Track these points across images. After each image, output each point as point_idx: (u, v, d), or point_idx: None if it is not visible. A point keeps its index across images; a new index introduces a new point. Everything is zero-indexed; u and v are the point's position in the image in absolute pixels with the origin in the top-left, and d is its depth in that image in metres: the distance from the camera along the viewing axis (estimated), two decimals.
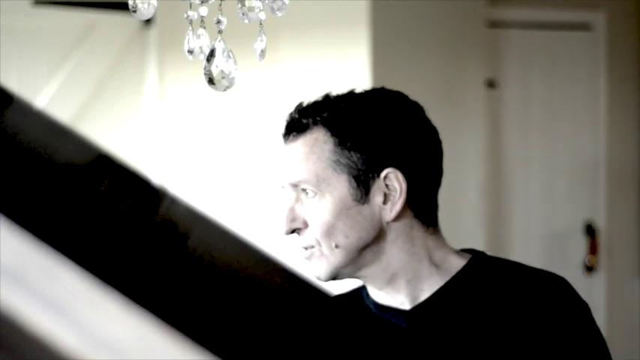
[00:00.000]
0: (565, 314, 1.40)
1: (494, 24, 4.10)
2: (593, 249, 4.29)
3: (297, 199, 1.46)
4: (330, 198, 1.43)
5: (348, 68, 3.62)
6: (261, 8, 1.25)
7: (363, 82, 3.56)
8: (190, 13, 1.24)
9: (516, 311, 1.40)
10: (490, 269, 1.46)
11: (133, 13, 1.25)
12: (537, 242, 4.22)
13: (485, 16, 3.96)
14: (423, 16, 3.72)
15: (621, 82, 4.40)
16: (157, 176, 4.15)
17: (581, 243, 4.29)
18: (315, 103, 1.47)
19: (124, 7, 1.45)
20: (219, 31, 1.25)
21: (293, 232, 1.46)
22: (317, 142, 1.45)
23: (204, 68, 1.24)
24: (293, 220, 1.46)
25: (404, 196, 1.44)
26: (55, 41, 4.04)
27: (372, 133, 1.44)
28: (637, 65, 4.45)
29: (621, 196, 4.42)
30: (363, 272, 1.47)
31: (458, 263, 1.47)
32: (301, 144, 1.45)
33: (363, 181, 1.44)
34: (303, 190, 1.45)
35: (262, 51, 1.28)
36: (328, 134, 1.44)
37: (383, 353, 1.46)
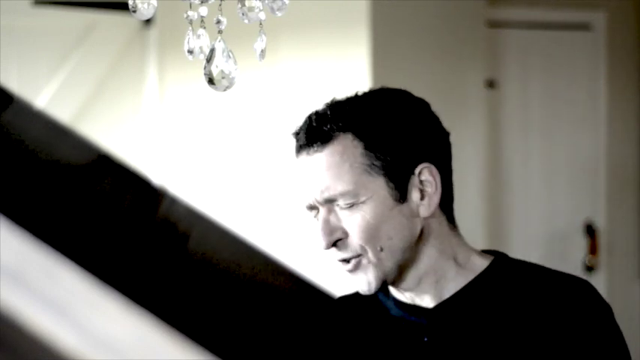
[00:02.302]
0: (587, 317, 1.37)
1: (494, 24, 4.10)
2: (593, 249, 4.29)
3: (330, 211, 1.41)
4: (370, 202, 1.38)
5: (348, 68, 3.62)
6: (261, 8, 1.25)
7: (363, 82, 3.56)
8: (190, 13, 1.24)
9: (538, 313, 1.38)
10: (513, 270, 1.45)
11: (133, 13, 1.25)
12: (537, 242, 4.22)
13: (485, 16, 3.96)
14: (423, 16, 3.72)
15: (621, 82, 4.40)
16: (157, 176, 4.15)
17: (581, 243, 4.29)
18: (334, 109, 1.42)
19: (124, 7, 1.45)
20: (219, 31, 1.24)
21: (334, 245, 1.41)
22: (346, 149, 1.39)
23: (204, 68, 1.24)
24: (332, 232, 1.40)
25: (439, 189, 1.42)
26: (55, 41, 4.04)
27: (400, 131, 1.42)
28: (637, 65, 4.45)
29: (621, 196, 4.42)
30: (401, 276, 1.43)
31: (481, 263, 1.45)
32: (329, 154, 1.40)
33: (400, 180, 1.40)
34: (338, 204, 1.40)
35: (262, 51, 1.28)
36: (356, 139, 1.39)
37: (402, 352, 1.44)
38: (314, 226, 1.45)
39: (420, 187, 1.42)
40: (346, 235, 1.40)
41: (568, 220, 4.30)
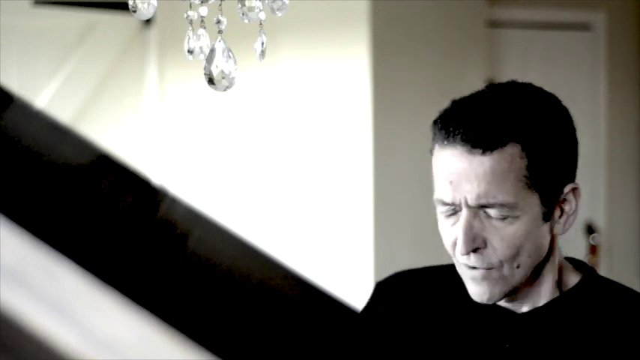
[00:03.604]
0: None
1: (494, 24, 4.10)
2: (593, 249, 4.29)
3: (475, 215, 1.34)
4: (525, 219, 1.34)
5: (348, 68, 3.62)
6: (261, 8, 1.25)
7: (363, 82, 3.56)
8: (190, 13, 1.24)
9: (622, 336, 1.35)
10: (602, 290, 1.42)
11: (133, 13, 1.25)
12: None
13: (486, 16, 3.96)
14: (423, 16, 3.72)
15: (621, 82, 4.40)
16: (157, 176, 4.15)
17: (581, 243, 4.29)
18: (505, 114, 1.33)
19: (124, 7, 1.45)
20: (219, 31, 1.24)
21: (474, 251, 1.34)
22: (514, 160, 1.32)
23: (204, 68, 1.24)
24: (474, 239, 1.34)
25: (578, 211, 1.39)
26: (55, 41, 4.04)
27: (563, 149, 1.37)
28: (637, 65, 4.45)
29: (621, 196, 4.42)
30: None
31: (573, 278, 1.42)
32: (497, 160, 1.32)
33: (551, 199, 1.36)
34: (489, 214, 1.33)
35: (262, 51, 1.28)
36: (524, 152, 1.33)
37: (480, 353, 1.41)
38: (445, 225, 1.38)
39: (562, 205, 1.38)
40: (485, 245, 1.34)
41: None
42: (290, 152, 3.82)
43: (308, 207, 3.77)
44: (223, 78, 1.24)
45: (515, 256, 1.34)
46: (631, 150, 4.45)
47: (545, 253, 1.38)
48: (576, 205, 1.38)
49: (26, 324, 0.54)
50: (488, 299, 1.37)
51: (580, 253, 4.29)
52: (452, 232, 1.36)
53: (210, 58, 1.24)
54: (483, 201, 1.32)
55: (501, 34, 4.17)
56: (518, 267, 1.35)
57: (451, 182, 1.34)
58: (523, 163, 1.32)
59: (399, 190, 3.60)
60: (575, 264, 1.47)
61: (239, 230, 0.71)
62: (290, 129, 3.82)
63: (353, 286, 3.56)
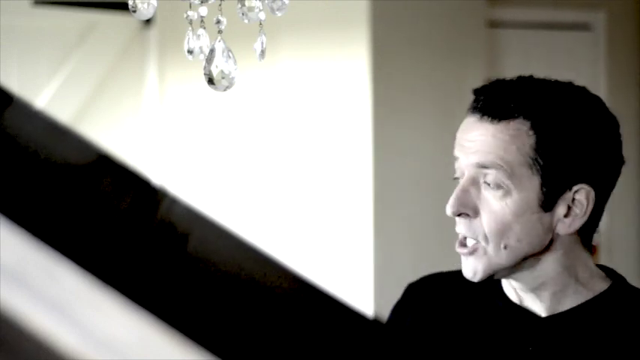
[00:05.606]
0: None
1: (494, 24, 4.09)
2: (593, 249, 4.29)
3: (474, 183, 1.33)
4: (517, 197, 1.31)
5: (348, 68, 3.62)
6: (261, 8, 1.25)
7: (363, 82, 3.56)
8: (190, 13, 1.24)
9: None
10: (631, 297, 1.40)
11: (133, 13, 1.25)
12: None
13: (486, 16, 3.96)
14: (423, 17, 3.72)
15: (621, 82, 4.40)
16: (157, 176, 4.15)
17: None
18: (524, 90, 1.34)
19: (124, 7, 1.45)
20: (219, 31, 1.24)
21: (459, 215, 1.33)
22: (520, 134, 1.31)
23: (204, 68, 1.24)
24: (464, 203, 1.33)
25: (587, 216, 1.37)
26: (55, 41, 4.04)
27: (579, 142, 1.34)
28: (637, 65, 4.45)
29: (621, 197, 4.42)
30: (514, 276, 1.37)
31: (601, 285, 1.40)
32: (502, 129, 1.32)
33: (554, 189, 1.33)
34: (486, 180, 1.32)
35: (262, 51, 1.28)
36: (532, 130, 1.32)
37: (503, 355, 1.38)
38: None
39: (570, 204, 1.35)
40: (476, 214, 1.33)
41: None
42: (290, 152, 3.82)
43: (308, 207, 3.77)
44: (223, 78, 1.24)
45: (501, 234, 1.32)
46: (631, 150, 4.45)
47: (542, 246, 1.35)
48: (587, 211, 1.36)
49: (26, 324, 0.54)
50: (472, 277, 1.35)
51: None
52: None
53: (210, 58, 1.24)
54: (482, 159, 1.32)
55: (501, 34, 4.17)
56: (505, 248, 1.32)
57: (462, 145, 1.37)
58: (529, 140, 1.32)
59: (399, 190, 3.60)
60: (607, 272, 1.45)
61: (239, 230, 0.71)
62: (290, 129, 3.82)
63: (353, 286, 3.56)
